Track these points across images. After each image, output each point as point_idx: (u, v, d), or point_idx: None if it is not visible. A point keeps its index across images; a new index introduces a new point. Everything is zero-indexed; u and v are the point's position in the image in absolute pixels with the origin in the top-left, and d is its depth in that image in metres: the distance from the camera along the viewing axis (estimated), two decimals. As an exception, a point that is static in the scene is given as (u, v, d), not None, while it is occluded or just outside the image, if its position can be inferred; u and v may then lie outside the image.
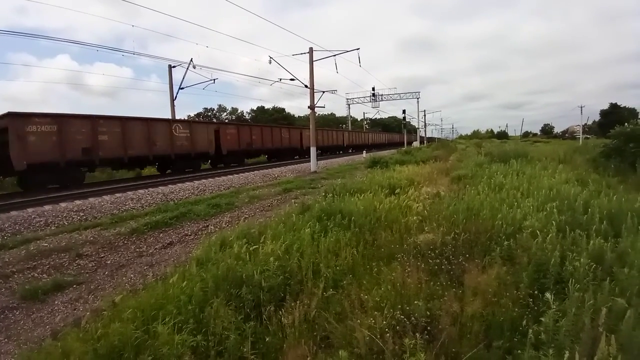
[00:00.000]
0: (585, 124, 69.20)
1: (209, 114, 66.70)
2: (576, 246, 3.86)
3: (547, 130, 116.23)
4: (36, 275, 5.69)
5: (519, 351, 2.43)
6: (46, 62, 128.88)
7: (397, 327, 2.76)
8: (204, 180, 15.74)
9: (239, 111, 70.40)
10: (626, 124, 14.18)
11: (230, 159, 24.62)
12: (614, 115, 60.75)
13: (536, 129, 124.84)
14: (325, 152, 39.90)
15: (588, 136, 60.81)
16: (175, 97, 27.46)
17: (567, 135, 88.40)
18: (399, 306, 2.99)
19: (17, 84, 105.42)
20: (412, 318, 2.84)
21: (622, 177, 10.02)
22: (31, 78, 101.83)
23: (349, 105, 56.97)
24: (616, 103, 70.03)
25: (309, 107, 21.86)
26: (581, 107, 59.81)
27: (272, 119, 62.24)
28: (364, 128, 67.59)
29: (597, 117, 74.96)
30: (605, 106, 70.91)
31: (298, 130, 34.46)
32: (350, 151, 46.78)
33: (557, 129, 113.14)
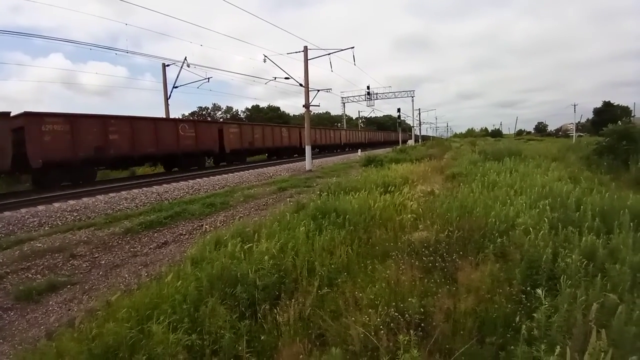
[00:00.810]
0: (579, 122, 69.67)
1: (204, 112, 66.44)
2: (568, 243, 3.91)
3: (540, 129, 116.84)
4: (30, 275, 5.65)
5: (512, 347, 2.46)
6: (40, 61, 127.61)
7: (391, 324, 2.78)
8: (198, 180, 15.70)
9: (234, 110, 70.24)
10: (619, 122, 14.34)
11: (57, 174, 14.58)
12: (607, 113, 61.18)
13: (530, 127, 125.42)
14: (271, 156, 31.29)
15: (581, 134, 61.15)
16: (170, 96, 27.36)
17: (560, 133, 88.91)
18: (393, 303, 3.01)
19: (10, 83, 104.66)
20: (406, 315, 2.86)
21: (615, 174, 10.14)
22: (25, 77, 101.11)
23: (343, 104, 56.80)
24: (609, 101, 70.62)
25: (304, 105, 21.84)
26: (574, 105, 60.18)
27: (267, 117, 62.05)
28: (359, 127, 67.47)
29: (591, 115, 75.44)
30: (599, 104, 71.47)
31: (214, 127, 24.46)
32: (316, 151, 35.80)
33: (551, 127, 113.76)
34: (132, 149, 17.49)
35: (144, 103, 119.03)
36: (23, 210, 9.49)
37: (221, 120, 30.57)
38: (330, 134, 42.49)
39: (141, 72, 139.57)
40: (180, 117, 49.95)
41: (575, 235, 4.03)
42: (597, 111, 70.66)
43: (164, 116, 25.88)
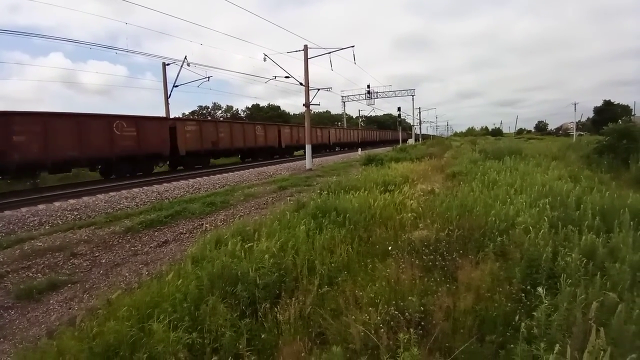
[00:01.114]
0: (579, 121, 69.51)
1: (204, 111, 66.46)
2: (568, 242, 3.91)
3: (541, 127, 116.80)
4: (31, 274, 5.66)
5: (512, 345, 2.46)
6: (39, 61, 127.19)
7: (392, 323, 2.79)
8: (199, 179, 15.71)
9: (234, 109, 70.29)
10: (619, 120, 14.34)
11: None
12: (607, 112, 61.19)
13: (530, 126, 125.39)
14: (244, 157, 26.92)
15: (582, 133, 61.06)
16: (170, 95, 27.25)
17: (560, 132, 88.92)
18: (393, 302, 3.02)
19: (11, 82, 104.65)
20: (406, 313, 2.87)
21: (615, 173, 10.14)
22: (25, 77, 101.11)
23: (344, 102, 56.68)
24: (610, 100, 70.68)
25: (304, 104, 21.83)
26: (575, 104, 59.98)
27: (267, 116, 62.06)
28: (359, 125, 67.39)
29: (591, 114, 75.36)
30: (599, 103, 71.50)
31: (164, 124, 19.81)
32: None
33: (551, 126, 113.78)
34: (45, 152, 13.97)
35: (145, 102, 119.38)
36: (23, 209, 9.50)
37: (175, 116, 24.53)
38: (317, 133, 36.95)
39: (141, 71, 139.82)
40: (181, 115, 49.74)
41: (575, 234, 4.04)
42: (597, 110, 70.63)
43: (165, 115, 25.77)
